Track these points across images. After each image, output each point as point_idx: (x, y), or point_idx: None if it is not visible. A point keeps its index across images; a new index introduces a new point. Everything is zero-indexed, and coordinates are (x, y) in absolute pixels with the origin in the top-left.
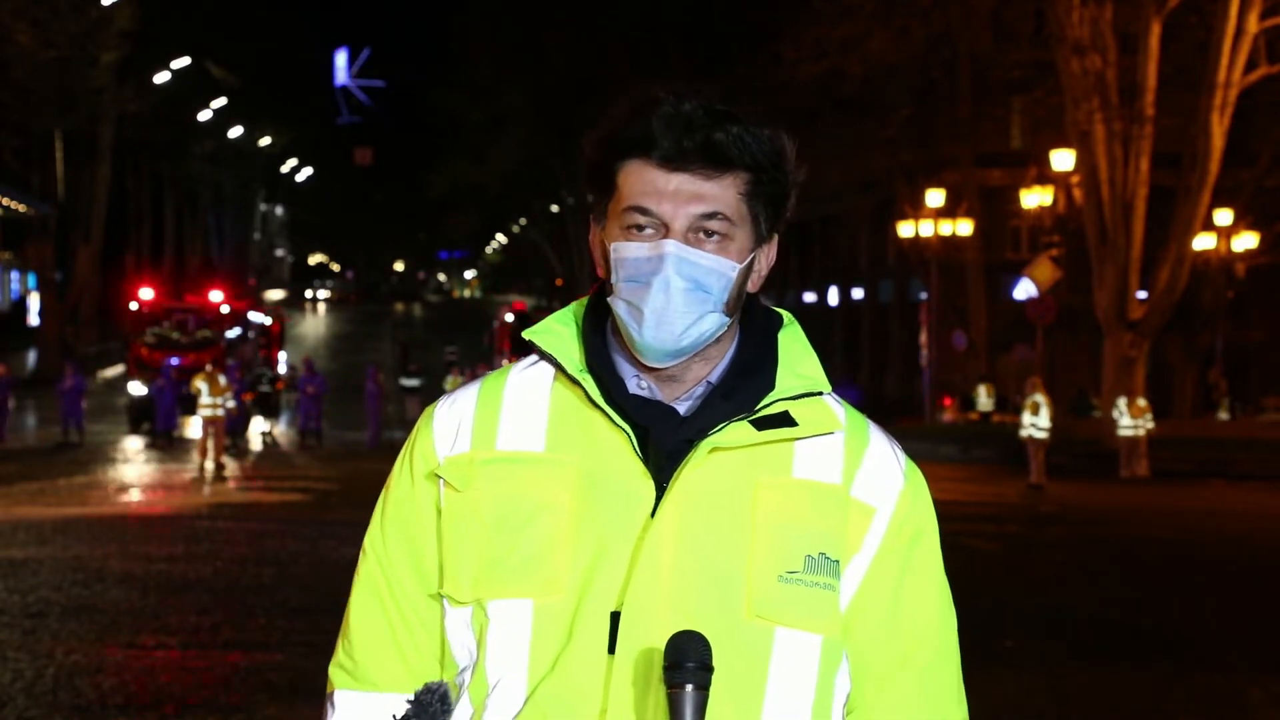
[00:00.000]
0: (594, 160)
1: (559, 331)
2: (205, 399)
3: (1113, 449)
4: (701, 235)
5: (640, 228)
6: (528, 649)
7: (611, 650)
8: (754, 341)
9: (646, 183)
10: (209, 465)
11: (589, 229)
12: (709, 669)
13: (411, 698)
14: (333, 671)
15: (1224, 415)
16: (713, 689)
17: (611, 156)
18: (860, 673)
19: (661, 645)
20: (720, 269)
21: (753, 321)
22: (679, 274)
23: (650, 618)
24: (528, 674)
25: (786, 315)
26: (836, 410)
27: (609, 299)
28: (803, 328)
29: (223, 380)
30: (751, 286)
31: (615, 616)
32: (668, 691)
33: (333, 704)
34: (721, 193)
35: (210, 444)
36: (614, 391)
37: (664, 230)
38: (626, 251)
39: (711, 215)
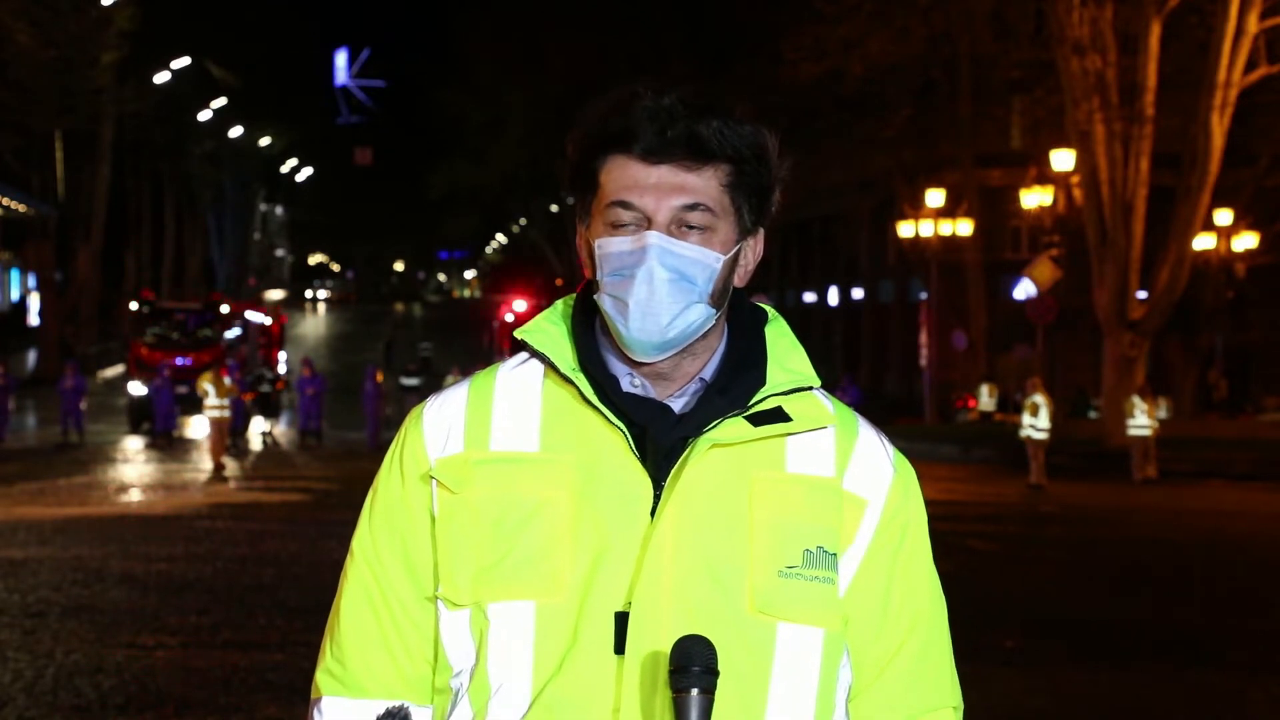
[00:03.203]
0: (576, 158)
1: (549, 330)
2: (212, 400)
3: (1115, 448)
4: (685, 227)
5: (623, 222)
6: (531, 651)
7: (619, 650)
8: (743, 337)
9: (628, 177)
10: (217, 464)
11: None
12: (714, 673)
13: None
14: (320, 677)
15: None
16: (718, 686)
17: (593, 153)
18: (856, 662)
19: (668, 645)
20: (704, 259)
21: (740, 317)
22: (662, 265)
23: (656, 617)
24: (532, 675)
25: (770, 310)
26: (826, 404)
27: (595, 296)
28: (800, 327)
29: (229, 381)
30: (738, 281)
31: (619, 616)
32: (673, 696)
33: (320, 710)
34: (703, 184)
35: (215, 443)
36: (608, 390)
37: (646, 223)
38: (610, 246)
39: (693, 206)
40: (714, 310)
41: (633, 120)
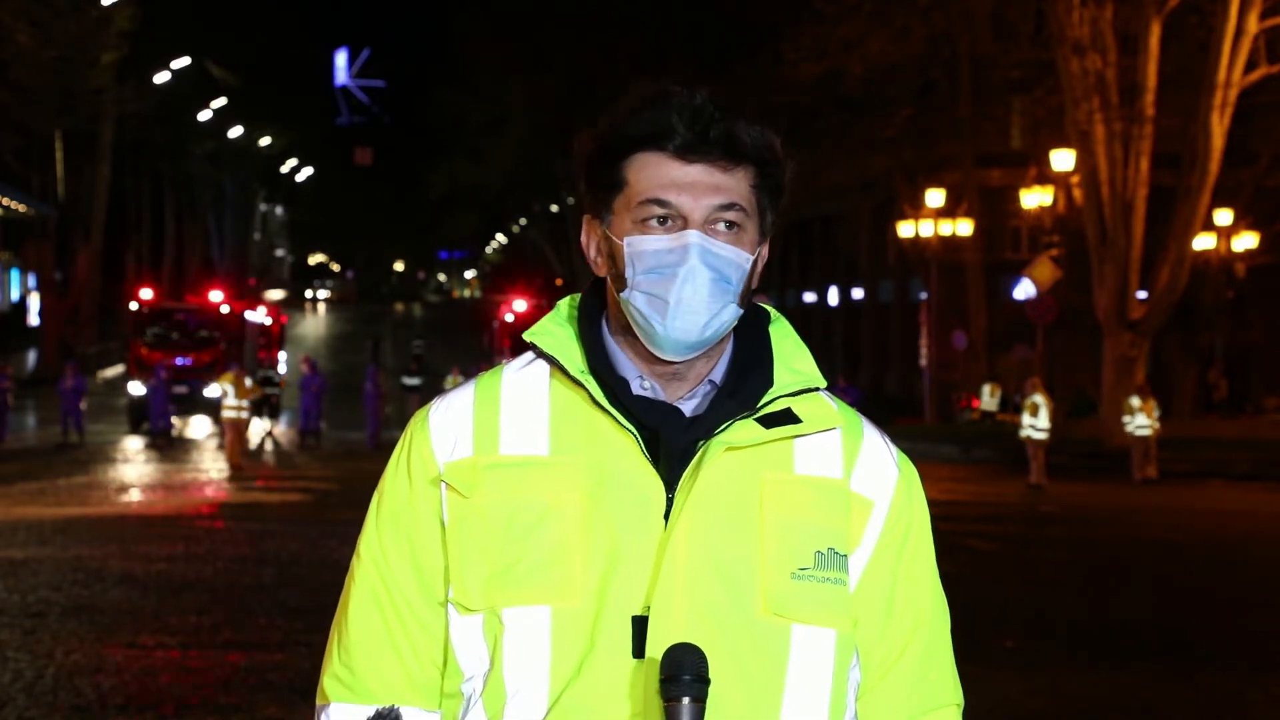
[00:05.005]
0: (599, 154)
1: (556, 332)
2: (230, 400)
3: (1115, 448)
4: (719, 226)
5: (659, 220)
6: (548, 655)
7: (638, 654)
8: (749, 338)
9: (664, 175)
10: (230, 464)
11: (581, 228)
12: (705, 681)
13: None
14: (327, 683)
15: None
16: (732, 688)
17: (621, 150)
18: (861, 662)
19: None
20: (738, 259)
21: (744, 317)
22: (704, 264)
23: (672, 621)
24: (549, 680)
25: (773, 311)
26: (832, 405)
27: (622, 294)
28: (801, 327)
29: (249, 383)
30: (753, 282)
31: (637, 621)
32: (664, 704)
33: (327, 716)
34: (736, 185)
35: (231, 444)
36: (618, 393)
37: (681, 222)
38: (646, 244)
39: (729, 206)
40: (741, 310)
41: (671, 117)
